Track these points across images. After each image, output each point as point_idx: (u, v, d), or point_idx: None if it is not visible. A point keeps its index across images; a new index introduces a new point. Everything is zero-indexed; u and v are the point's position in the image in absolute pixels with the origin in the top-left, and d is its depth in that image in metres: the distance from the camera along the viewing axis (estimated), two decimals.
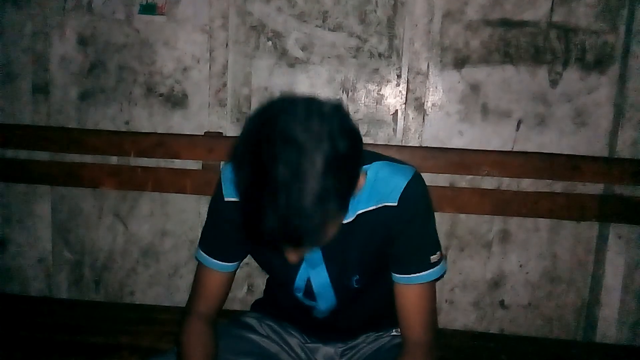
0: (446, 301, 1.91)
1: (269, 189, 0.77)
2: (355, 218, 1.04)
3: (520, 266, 1.87)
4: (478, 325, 1.92)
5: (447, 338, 1.71)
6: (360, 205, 1.04)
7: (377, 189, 1.02)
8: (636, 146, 1.76)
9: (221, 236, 1.14)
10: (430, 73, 1.81)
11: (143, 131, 1.89)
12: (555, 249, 1.85)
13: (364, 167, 1.02)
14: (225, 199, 1.09)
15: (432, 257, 1.07)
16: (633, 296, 1.84)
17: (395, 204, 1.02)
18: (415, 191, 1.03)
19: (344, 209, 0.88)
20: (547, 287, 1.88)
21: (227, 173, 1.11)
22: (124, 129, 1.90)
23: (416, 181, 1.04)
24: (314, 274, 1.11)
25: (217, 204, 1.13)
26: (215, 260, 1.15)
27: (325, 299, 1.15)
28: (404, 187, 1.02)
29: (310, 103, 0.84)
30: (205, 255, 1.15)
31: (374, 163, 1.04)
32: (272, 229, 0.78)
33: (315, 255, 1.09)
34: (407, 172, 1.04)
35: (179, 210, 1.94)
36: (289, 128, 0.78)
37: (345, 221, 1.04)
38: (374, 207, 1.03)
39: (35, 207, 1.97)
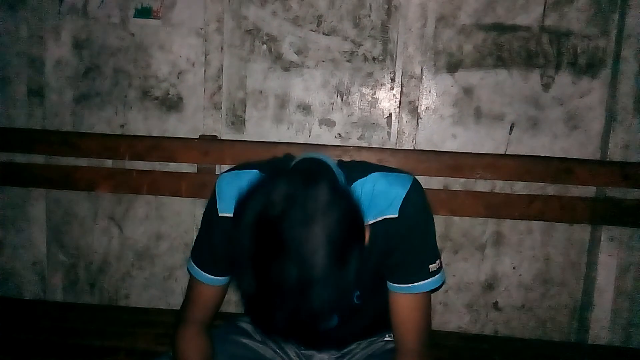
0: (440, 303, 1.92)
1: (275, 296, 0.76)
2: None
3: (514, 268, 1.89)
4: (472, 327, 1.93)
5: (441, 340, 1.72)
6: None
7: (376, 202, 1.00)
8: (627, 149, 1.78)
9: (214, 251, 1.11)
10: (424, 77, 1.82)
11: (138, 134, 1.89)
12: (548, 251, 1.87)
13: (359, 180, 1.01)
14: (220, 214, 1.06)
15: (431, 265, 1.05)
16: (625, 298, 1.85)
17: (396, 216, 1.00)
18: (416, 201, 1.02)
19: (353, 289, 0.84)
20: (540, 289, 1.89)
21: (221, 186, 1.08)
22: (119, 132, 1.91)
23: (415, 190, 1.03)
24: None
25: (210, 218, 1.10)
26: (207, 275, 1.12)
27: None
28: (403, 197, 1.00)
29: (306, 192, 0.79)
30: (196, 268, 1.13)
31: (369, 175, 1.03)
32: (283, 328, 0.78)
33: None
34: (405, 182, 1.03)
35: (174, 213, 1.94)
36: (287, 232, 0.75)
37: None
38: (373, 221, 1.01)
39: (30, 210, 1.97)
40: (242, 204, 0.81)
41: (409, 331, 1.06)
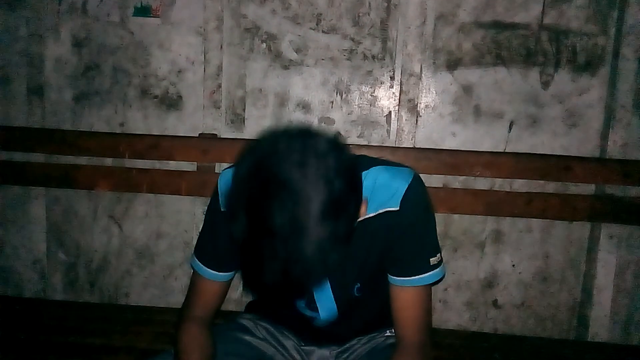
0: (440, 301, 1.92)
1: (266, 242, 0.75)
2: (357, 225, 1.03)
3: (513, 266, 1.89)
4: (471, 325, 1.93)
5: (440, 338, 1.72)
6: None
7: (377, 195, 1.01)
8: (626, 147, 1.78)
9: (217, 247, 1.13)
10: (423, 75, 1.82)
11: (138, 133, 1.89)
12: (547, 248, 1.87)
13: (362, 172, 1.00)
14: (222, 210, 1.08)
15: (431, 259, 1.06)
16: (624, 295, 1.86)
17: (397, 209, 1.01)
18: (417, 194, 1.03)
19: (346, 245, 0.82)
20: (539, 287, 1.89)
21: (223, 182, 1.09)
22: (118, 131, 1.91)
23: (417, 184, 1.04)
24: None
25: (213, 214, 1.11)
26: (210, 270, 1.14)
27: (326, 309, 1.14)
28: (404, 190, 1.01)
29: (304, 141, 0.79)
30: (200, 264, 1.14)
31: (371, 168, 1.04)
32: (273, 281, 0.77)
33: None
34: (407, 175, 1.04)
35: (173, 211, 1.94)
36: (283, 173, 0.75)
37: None
38: (374, 214, 1.02)
39: (30, 208, 1.97)
40: (242, 155, 0.82)
41: (409, 324, 1.07)
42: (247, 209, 0.76)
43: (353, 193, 0.82)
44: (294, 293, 0.78)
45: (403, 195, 1.01)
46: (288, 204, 0.74)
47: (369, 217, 1.02)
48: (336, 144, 0.82)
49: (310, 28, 1.82)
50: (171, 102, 1.89)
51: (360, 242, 1.04)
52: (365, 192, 0.99)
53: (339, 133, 1.86)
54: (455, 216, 1.86)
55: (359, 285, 1.11)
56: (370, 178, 1.02)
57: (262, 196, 0.75)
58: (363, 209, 0.90)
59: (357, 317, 1.19)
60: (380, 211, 1.02)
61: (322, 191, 0.75)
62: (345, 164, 0.80)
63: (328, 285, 1.10)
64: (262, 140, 0.82)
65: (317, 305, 1.13)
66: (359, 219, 1.00)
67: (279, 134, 0.82)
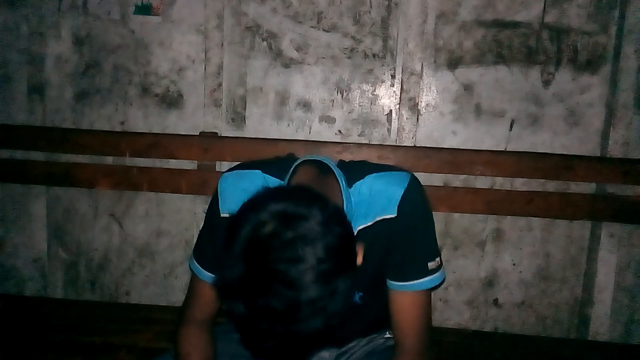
0: (440, 300, 1.92)
1: (265, 323, 0.75)
2: (355, 235, 1.02)
3: (514, 265, 1.89)
4: (472, 324, 1.93)
5: (441, 336, 1.72)
6: (359, 222, 1.01)
7: (374, 203, 1.00)
8: (627, 146, 1.78)
9: (216, 250, 1.08)
10: (424, 73, 1.82)
11: (138, 131, 1.89)
12: (548, 247, 1.87)
13: (357, 182, 1.01)
14: (221, 215, 1.07)
15: (430, 263, 1.05)
16: (625, 294, 1.86)
17: (395, 215, 1.00)
18: (413, 199, 1.02)
19: (345, 307, 0.81)
20: (540, 286, 1.89)
21: (224, 186, 1.08)
22: (119, 129, 1.91)
23: (413, 188, 1.02)
24: None
25: (212, 218, 1.10)
26: (209, 274, 1.12)
27: None
28: (400, 196, 1.00)
29: (296, 216, 0.78)
30: (199, 267, 1.13)
31: (366, 177, 1.03)
32: (274, 352, 0.78)
33: None
34: (402, 180, 1.02)
35: (174, 210, 1.94)
36: (275, 264, 0.74)
37: None
38: (372, 222, 1.02)
39: (30, 207, 1.97)
40: (234, 222, 0.80)
41: (408, 330, 1.05)
42: (242, 291, 0.76)
43: (347, 268, 0.80)
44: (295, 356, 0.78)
45: (399, 202, 1.00)
46: (282, 288, 0.73)
47: (367, 226, 1.02)
48: (331, 214, 0.80)
49: (311, 26, 1.82)
50: (172, 101, 1.89)
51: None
52: (363, 202, 1.00)
53: (339, 132, 1.86)
54: (456, 215, 1.86)
55: (361, 294, 1.10)
56: (366, 187, 1.01)
57: (256, 280, 0.74)
58: (359, 258, 0.88)
59: (357, 322, 1.18)
60: (378, 219, 1.01)
61: (315, 273, 0.74)
62: (339, 241, 0.79)
63: None
64: (255, 203, 0.80)
65: None
66: (359, 229, 1.01)
67: (273, 200, 0.80)
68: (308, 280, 0.74)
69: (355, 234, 0.99)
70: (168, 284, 1.99)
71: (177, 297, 1.96)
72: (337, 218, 0.81)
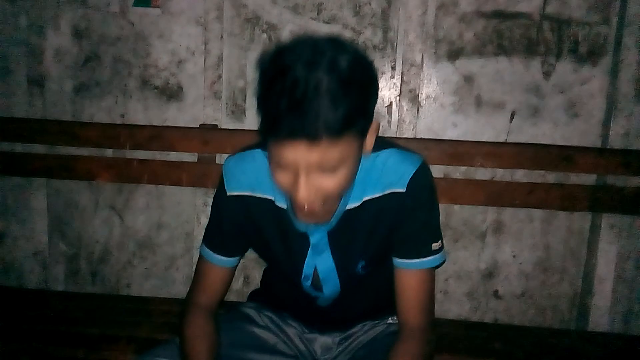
0: (441, 291, 1.92)
1: (287, 81, 0.81)
2: (361, 204, 1.05)
3: (514, 256, 1.89)
4: (472, 315, 1.93)
5: (441, 328, 1.73)
6: (367, 192, 1.04)
7: (385, 176, 1.03)
8: (628, 137, 1.78)
9: (223, 231, 1.15)
10: (424, 65, 1.82)
11: (138, 124, 1.89)
12: (548, 239, 1.87)
13: (374, 152, 1.03)
14: (228, 194, 1.10)
15: (433, 244, 1.08)
16: (625, 285, 1.86)
17: (404, 190, 1.03)
18: (423, 179, 1.05)
19: (356, 126, 0.87)
20: (540, 277, 1.90)
21: (228, 167, 1.11)
22: (119, 122, 1.91)
23: (424, 169, 1.06)
24: (320, 261, 1.12)
25: (219, 199, 1.13)
26: (218, 256, 1.15)
27: (329, 286, 1.15)
28: (412, 174, 1.03)
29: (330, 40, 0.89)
30: (208, 250, 1.16)
31: (383, 150, 1.05)
32: (288, 116, 0.81)
33: (321, 242, 1.10)
34: (416, 160, 1.05)
35: (174, 202, 1.94)
36: (313, 40, 0.86)
37: (351, 206, 1.05)
38: (381, 194, 1.04)
39: (31, 200, 1.97)
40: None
41: (412, 307, 1.08)
42: (274, 59, 0.85)
43: (369, 80, 0.89)
44: (305, 130, 0.80)
45: (410, 178, 1.03)
46: (312, 57, 0.83)
47: (376, 197, 1.05)
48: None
49: (311, 18, 1.81)
50: (172, 93, 1.89)
51: (366, 219, 1.06)
52: (375, 172, 1.04)
53: None
54: (456, 206, 1.86)
55: (363, 263, 1.13)
56: (382, 158, 1.04)
57: (290, 50, 0.85)
58: (369, 144, 0.96)
59: (361, 297, 1.21)
60: (387, 192, 1.04)
61: (345, 57, 0.84)
62: (370, 60, 0.90)
63: (331, 259, 1.12)
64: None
65: (321, 281, 1.14)
66: (366, 198, 1.05)
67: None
68: (336, 58, 0.83)
69: (361, 203, 1.05)
70: (168, 276, 1.99)
71: (177, 289, 1.96)
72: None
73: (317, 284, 1.15)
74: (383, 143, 1.07)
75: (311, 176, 0.87)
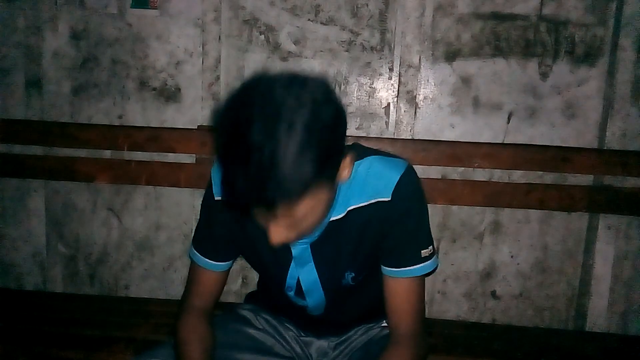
0: (438, 292, 1.93)
1: (242, 148, 0.75)
2: (346, 214, 1.03)
3: (512, 257, 1.90)
4: (470, 316, 1.94)
5: (439, 328, 1.73)
6: (352, 201, 1.02)
7: (370, 184, 1.01)
8: (625, 138, 1.79)
9: (213, 236, 1.14)
10: (422, 66, 1.82)
11: (136, 125, 1.89)
12: (546, 239, 1.88)
13: (356, 162, 1.01)
14: (216, 198, 1.09)
15: (423, 251, 1.06)
16: (622, 285, 1.86)
17: (389, 199, 1.01)
18: (409, 185, 1.02)
19: (322, 178, 0.82)
20: (538, 278, 1.90)
21: (215, 171, 1.10)
22: (117, 123, 1.91)
23: (409, 175, 1.03)
24: (303, 273, 1.11)
25: (207, 203, 1.13)
26: (208, 260, 1.15)
27: (314, 297, 1.14)
28: (396, 181, 1.01)
29: (295, 74, 0.82)
30: (198, 254, 1.15)
31: (365, 158, 1.03)
32: (244, 188, 0.77)
33: (304, 254, 1.08)
34: (400, 166, 1.03)
35: (173, 203, 1.94)
36: (269, 91, 0.78)
37: (335, 217, 1.03)
38: (366, 203, 1.02)
39: (29, 201, 1.97)
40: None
41: (402, 315, 1.07)
42: (229, 120, 0.78)
43: (336, 123, 0.83)
44: (263, 204, 0.77)
45: (395, 186, 1.00)
46: (268, 117, 0.75)
47: (361, 206, 1.02)
48: (326, 83, 0.84)
49: (309, 19, 1.82)
50: (170, 94, 1.89)
51: (351, 230, 1.04)
52: (358, 181, 1.01)
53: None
54: (454, 207, 1.87)
55: (353, 274, 1.11)
56: (364, 167, 1.02)
57: (244, 109, 0.77)
58: (346, 170, 0.91)
59: (352, 305, 1.20)
60: (372, 201, 1.02)
61: (305, 111, 0.76)
62: (332, 98, 0.83)
63: (315, 272, 1.10)
64: (254, 74, 0.84)
65: (304, 292, 1.13)
66: (350, 208, 1.02)
67: (272, 72, 0.83)
68: (295, 114, 0.76)
69: (345, 214, 1.03)
70: (167, 278, 1.99)
71: (176, 291, 1.96)
72: (337, 99, 0.85)
73: (300, 294, 1.14)
74: (365, 151, 1.05)
75: (280, 224, 0.86)
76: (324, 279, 1.11)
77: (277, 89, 0.78)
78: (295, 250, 1.08)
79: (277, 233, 0.87)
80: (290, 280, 1.12)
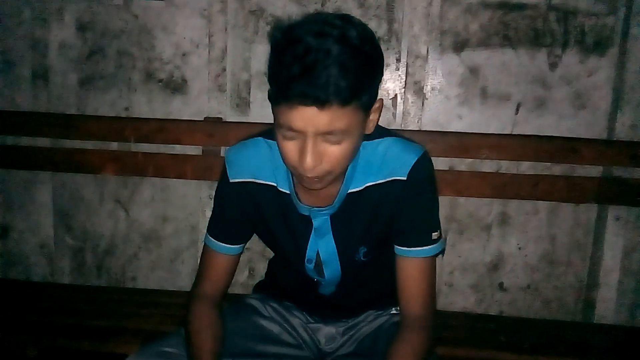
0: (445, 284, 1.92)
1: (299, 48, 0.84)
2: (364, 188, 1.07)
3: (519, 249, 1.89)
4: (477, 308, 1.93)
5: (446, 320, 1.73)
6: (370, 178, 1.06)
7: (388, 163, 1.05)
8: (635, 129, 1.77)
9: (226, 219, 1.17)
10: (429, 57, 1.81)
11: (143, 117, 1.89)
12: (554, 231, 1.87)
13: (375, 140, 1.06)
14: (231, 181, 1.12)
15: (433, 233, 1.09)
16: (631, 277, 1.85)
17: (405, 178, 1.05)
18: (425, 168, 1.07)
19: (362, 98, 0.90)
20: (545, 270, 1.89)
21: (230, 155, 1.13)
22: (123, 115, 1.91)
23: (425, 159, 1.07)
24: (322, 244, 1.14)
25: (222, 187, 1.16)
26: (222, 244, 1.17)
27: (331, 269, 1.17)
28: (414, 162, 1.05)
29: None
30: (212, 239, 1.18)
31: (386, 138, 1.07)
32: (299, 77, 0.84)
33: (324, 225, 1.11)
34: (417, 150, 1.07)
35: (179, 195, 1.94)
36: (323, 15, 0.91)
37: (353, 190, 1.07)
38: (383, 181, 1.06)
39: (36, 193, 1.98)
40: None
41: (414, 295, 1.09)
42: (287, 30, 0.89)
43: (378, 59, 0.93)
44: (315, 94, 0.84)
45: (412, 167, 1.05)
46: (320, 25, 0.87)
47: (378, 183, 1.07)
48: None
49: (316, 10, 1.80)
50: (176, 86, 1.89)
51: (367, 205, 1.08)
52: (377, 159, 1.06)
53: None
54: (462, 199, 1.86)
55: (365, 249, 1.14)
56: (383, 146, 1.07)
57: (302, 23, 0.89)
58: (371, 125, 0.99)
59: (363, 285, 1.23)
60: (389, 179, 1.06)
61: (353, 30, 0.88)
62: (375, 37, 0.93)
63: (333, 243, 1.13)
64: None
65: (322, 264, 1.16)
66: (368, 184, 1.07)
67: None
68: (347, 32, 0.87)
69: (363, 188, 1.08)
70: (174, 269, 2.00)
71: (183, 282, 1.97)
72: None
73: (319, 267, 1.17)
74: (385, 132, 1.09)
75: (318, 143, 0.91)
76: (341, 252, 1.14)
77: (330, 15, 0.90)
78: (316, 222, 1.11)
79: (313, 154, 0.91)
80: (310, 253, 1.15)
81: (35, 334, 1.56)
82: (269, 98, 0.93)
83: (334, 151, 0.93)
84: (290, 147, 0.93)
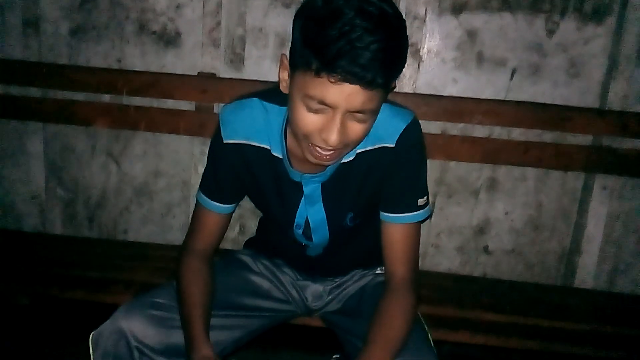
0: (432, 245, 1.96)
1: (344, 23, 0.83)
2: (355, 157, 1.08)
3: (506, 214, 1.92)
4: (462, 269, 1.98)
5: (431, 279, 1.78)
6: (360, 145, 1.05)
7: (376, 130, 1.03)
8: (627, 99, 1.78)
9: (218, 178, 1.16)
10: (427, 18, 1.79)
11: (135, 69, 1.87)
12: (541, 198, 1.90)
13: None
14: (224, 141, 1.11)
15: (419, 200, 1.11)
16: (612, 245, 1.90)
17: (393, 146, 1.05)
18: (413, 135, 1.07)
19: (391, 80, 0.91)
20: (530, 235, 1.93)
21: (225, 115, 1.12)
22: (115, 67, 1.88)
23: (414, 126, 1.08)
24: (312, 211, 1.15)
25: (216, 146, 1.15)
26: (214, 202, 1.18)
27: (319, 235, 1.19)
28: (402, 130, 1.05)
29: None
30: (204, 197, 1.18)
31: None
32: (347, 54, 0.82)
33: (315, 193, 1.12)
34: (407, 116, 1.07)
35: (172, 151, 1.94)
36: None
37: (345, 160, 1.07)
38: (371, 148, 1.07)
39: (27, 143, 1.96)
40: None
41: (399, 260, 1.12)
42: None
43: (407, 37, 0.93)
44: (358, 65, 0.83)
45: (400, 134, 1.05)
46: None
47: (367, 150, 1.07)
48: None
49: None
50: (169, 39, 1.86)
51: (357, 173, 1.09)
52: None
53: None
54: (452, 163, 1.87)
55: (352, 214, 1.16)
56: None
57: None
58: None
59: (349, 248, 1.25)
60: (377, 146, 1.07)
61: (391, 10, 0.87)
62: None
63: (323, 211, 1.15)
64: None
65: (311, 230, 1.18)
66: (359, 151, 1.07)
67: None
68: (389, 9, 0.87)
69: (354, 157, 1.08)
70: (165, 223, 2.02)
71: (174, 236, 1.99)
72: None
73: (307, 232, 1.19)
74: None
75: (345, 120, 0.90)
76: (330, 219, 1.16)
77: None
78: (307, 189, 1.12)
79: (340, 131, 0.90)
80: (299, 219, 1.17)
81: (27, 283, 1.58)
82: (294, 65, 0.91)
83: (357, 129, 0.92)
84: (313, 119, 0.91)
